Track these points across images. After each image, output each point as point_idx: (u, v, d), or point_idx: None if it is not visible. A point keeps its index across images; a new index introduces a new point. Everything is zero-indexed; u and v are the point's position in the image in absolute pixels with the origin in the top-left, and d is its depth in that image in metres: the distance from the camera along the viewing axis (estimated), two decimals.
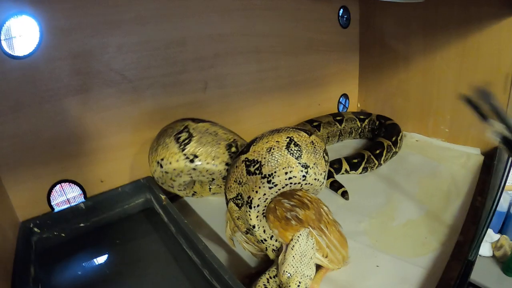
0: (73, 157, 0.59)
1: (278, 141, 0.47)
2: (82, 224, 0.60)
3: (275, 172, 0.45)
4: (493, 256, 1.21)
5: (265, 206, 0.47)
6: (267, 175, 0.45)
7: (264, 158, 0.46)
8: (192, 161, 0.54)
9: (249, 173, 0.46)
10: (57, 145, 0.57)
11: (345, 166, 0.72)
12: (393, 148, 0.76)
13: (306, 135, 0.49)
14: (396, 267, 0.50)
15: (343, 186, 0.66)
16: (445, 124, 0.81)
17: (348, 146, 0.87)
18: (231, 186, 0.49)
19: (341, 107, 0.98)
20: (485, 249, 1.23)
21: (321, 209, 0.48)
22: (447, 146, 0.81)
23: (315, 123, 0.83)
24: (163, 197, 0.59)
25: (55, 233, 0.57)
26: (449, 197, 0.64)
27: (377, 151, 0.74)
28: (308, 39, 0.84)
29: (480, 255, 1.23)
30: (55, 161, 0.57)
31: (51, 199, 0.58)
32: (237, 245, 0.55)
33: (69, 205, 0.59)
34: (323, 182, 0.50)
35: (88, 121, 0.59)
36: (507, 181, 1.41)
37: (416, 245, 0.54)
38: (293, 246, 0.43)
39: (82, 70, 0.56)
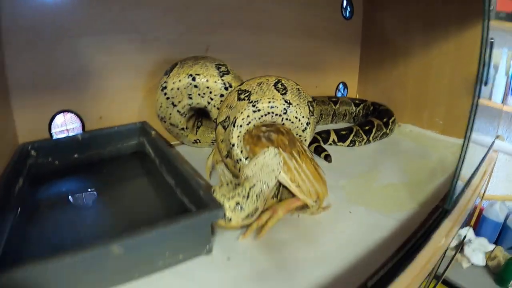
0: (79, 91, 0.64)
1: (268, 80, 0.54)
2: (76, 155, 0.62)
3: (260, 99, 0.51)
4: (486, 266, 1.18)
5: (247, 130, 0.51)
6: (253, 101, 0.51)
7: (254, 89, 0.53)
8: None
9: (239, 99, 0.53)
10: (66, 78, 0.62)
11: (333, 136, 0.75)
12: (384, 128, 0.78)
13: (294, 83, 0.56)
14: (369, 216, 0.50)
15: (327, 151, 0.68)
16: (440, 116, 0.83)
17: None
18: (222, 111, 0.55)
19: (339, 94, 1.01)
20: (478, 258, 1.20)
21: (298, 142, 0.50)
22: (440, 137, 0.82)
23: None
24: (153, 132, 0.63)
25: (50, 159, 0.60)
26: (435, 174, 0.64)
27: (367, 127, 0.76)
28: (310, 24, 0.89)
29: (473, 264, 1.20)
30: (62, 93, 0.62)
31: (52, 127, 0.63)
32: (214, 180, 0.58)
33: (67, 135, 0.64)
34: (305, 128, 0.54)
35: (98, 61, 0.64)
36: (506, 192, 1.39)
37: (393, 204, 0.54)
38: (258, 157, 0.45)
39: (99, 15, 0.62)
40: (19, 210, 0.47)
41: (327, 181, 0.51)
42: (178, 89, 0.60)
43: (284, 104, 0.52)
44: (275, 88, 0.53)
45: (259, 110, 0.51)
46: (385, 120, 0.79)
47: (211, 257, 0.40)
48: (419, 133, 0.85)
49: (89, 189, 0.55)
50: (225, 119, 0.54)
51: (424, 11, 0.81)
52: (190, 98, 0.61)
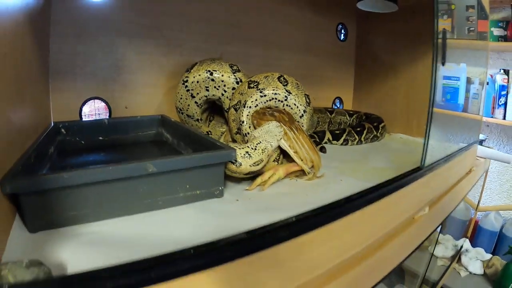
0: (110, 82, 0.74)
1: (273, 74, 0.65)
2: (100, 138, 0.70)
3: (266, 87, 0.62)
4: (484, 274, 1.20)
5: (254, 111, 0.61)
6: (260, 89, 0.62)
7: (261, 80, 0.63)
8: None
9: (249, 87, 0.63)
10: (100, 69, 0.72)
11: (328, 135, 0.84)
12: (374, 131, 0.88)
13: (294, 79, 0.66)
14: (357, 183, 0.57)
15: (322, 144, 0.77)
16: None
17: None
18: (235, 97, 0.65)
19: (335, 107, 1.12)
20: (475, 267, 1.23)
21: (295, 121, 0.60)
22: None
23: None
24: (172, 119, 0.72)
25: (77, 138, 0.67)
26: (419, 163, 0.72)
27: (358, 129, 0.85)
28: (310, 44, 1.03)
29: (471, 273, 1.22)
30: (95, 81, 0.72)
31: (82, 110, 0.72)
32: None
33: (95, 118, 0.73)
34: (303, 114, 0.64)
35: (129, 58, 0.75)
36: (501, 202, 1.44)
37: (379, 177, 0.59)
38: (263, 126, 0.55)
39: (134, 21, 0.74)
40: (51, 167, 0.54)
41: (322, 163, 0.59)
42: (197, 82, 0.70)
43: (285, 93, 0.62)
44: (279, 80, 0.63)
45: (265, 96, 0.61)
46: (375, 124, 0.88)
47: (223, 198, 0.47)
48: (408, 139, 0.95)
49: (109, 162, 0.63)
50: (237, 103, 0.64)
51: (409, 32, 0.95)
52: (207, 90, 0.71)
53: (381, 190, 0.45)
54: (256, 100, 0.61)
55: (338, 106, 1.13)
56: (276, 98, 0.62)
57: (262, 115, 0.58)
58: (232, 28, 0.88)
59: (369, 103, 1.09)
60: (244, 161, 0.48)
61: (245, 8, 0.90)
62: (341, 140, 0.84)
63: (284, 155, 0.59)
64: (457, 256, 1.20)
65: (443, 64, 0.56)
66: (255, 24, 0.92)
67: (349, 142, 0.85)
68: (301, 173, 0.57)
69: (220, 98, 0.72)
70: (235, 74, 0.71)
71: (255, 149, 0.50)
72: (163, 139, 0.75)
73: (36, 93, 0.60)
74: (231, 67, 0.71)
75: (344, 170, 0.64)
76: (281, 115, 0.59)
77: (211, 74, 0.70)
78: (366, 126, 0.87)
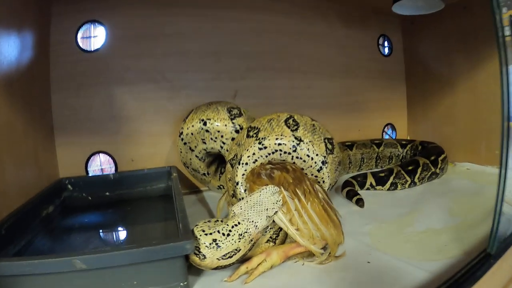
0: (114, 134, 0.69)
1: (279, 116, 0.52)
2: (107, 193, 0.66)
3: (267, 136, 0.49)
4: None
5: (252, 168, 0.48)
6: (260, 138, 0.49)
7: (263, 126, 0.51)
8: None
9: (248, 136, 0.51)
10: (103, 122, 0.68)
11: (370, 179, 0.66)
12: (432, 167, 0.67)
13: (310, 119, 0.52)
14: (391, 267, 0.40)
15: (359, 195, 0.60)
16: (499, 147, 0.69)
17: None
18: (232, 148, 0.54)
19: (386, 137, 0.92)
20: None
21: (307, 181, 0.46)
22: None
23: (347, 143, 0.80)
24: (174, 174, 0.63)
25: (84, 194, 0.65)
26: (491, 212, 0.51)
27: (410, 167, 0.66)
28: (347, 64, 0.86)
29: None
30: (98, 135, 0.68)
31: (88, 165, 0.68)
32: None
33: (101, 173, 0.69)
34: (321, 167, 0.49)
35: (131, 107, 0.70)
36: None
37: (429, 251, 0.44)
38: (253, 194, 0.42)
39: (132, 67, 0.69)
40: (41, 231, 0.51)
41: (351, 227, 0.46)
42: (192, 134, 0.60)
43: (293, 141, 0.48)
44: (286, 124, 0.50)
45: (265, 148, 0.49)
46: (432, 158, 0.68)
47: None
48: (478, 170, 0.73)
49: (112, 224, 0.59)
50: (234, 157, 0.52)
51: (463, 33, 0.73)
52: (204, 142, 0.61)
53: None
54: (253, 154, 0.49)
55: (390, 134, 0.93)
56: (280, 150, 0.48)
57: (257, 176, 0.45)
58: (246, 60, 0.77)
59: (425, 128, 0.87)
60: (210, 253, 0.36)
61: (259, 33, 0.78)
62: (388, 185, 0.66)
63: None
64: None
65: None
66: (273, 50, 0.79)
67: (398, 185, 0.66)
68: (310, 252, 0.42)
69: (219, 151, 0.61)
70: (233, 121, 0.59)
71: (228, 235, 0.37)
72: (171, 194, 0.67)
73: (34, 150, 0.58)
74: (229, 111, 0.60)
75: (379, 239, 0.47)
76: (283, 175, 0.45)
77: (205, 124, 0.59)
78: (420, 162, 0.67)
